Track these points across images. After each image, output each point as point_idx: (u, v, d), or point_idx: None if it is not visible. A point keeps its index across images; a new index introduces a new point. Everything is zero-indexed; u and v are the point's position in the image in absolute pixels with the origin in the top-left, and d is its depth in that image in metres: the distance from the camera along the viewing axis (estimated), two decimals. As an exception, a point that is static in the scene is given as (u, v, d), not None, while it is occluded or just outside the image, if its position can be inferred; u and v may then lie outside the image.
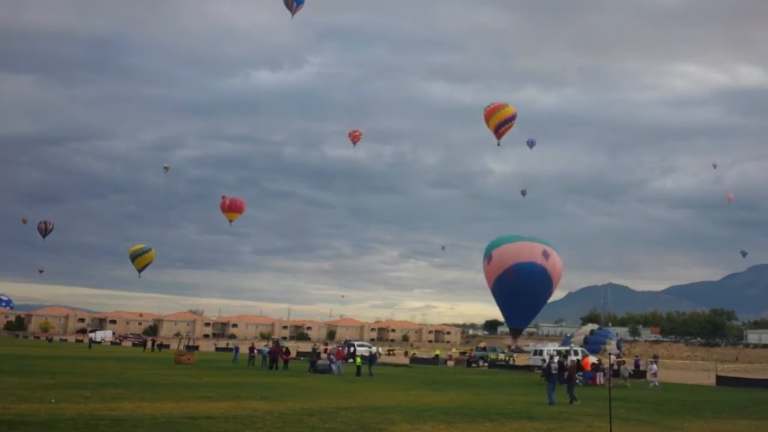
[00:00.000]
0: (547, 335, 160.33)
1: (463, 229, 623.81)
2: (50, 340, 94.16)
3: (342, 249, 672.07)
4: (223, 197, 69.34)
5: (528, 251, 55.75)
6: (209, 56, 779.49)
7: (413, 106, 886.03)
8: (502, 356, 57.72)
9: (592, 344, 48.85)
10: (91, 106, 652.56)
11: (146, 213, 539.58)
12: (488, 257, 62.16)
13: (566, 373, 23.45)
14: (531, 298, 55.54)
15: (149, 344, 72.16)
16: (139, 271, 69.84)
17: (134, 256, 69.24)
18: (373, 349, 62.30)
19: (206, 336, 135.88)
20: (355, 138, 67.29)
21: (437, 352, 70.27)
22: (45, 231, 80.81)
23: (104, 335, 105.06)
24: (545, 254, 54.23)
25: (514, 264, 54.96)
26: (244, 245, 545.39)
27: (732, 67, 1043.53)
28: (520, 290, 54.75)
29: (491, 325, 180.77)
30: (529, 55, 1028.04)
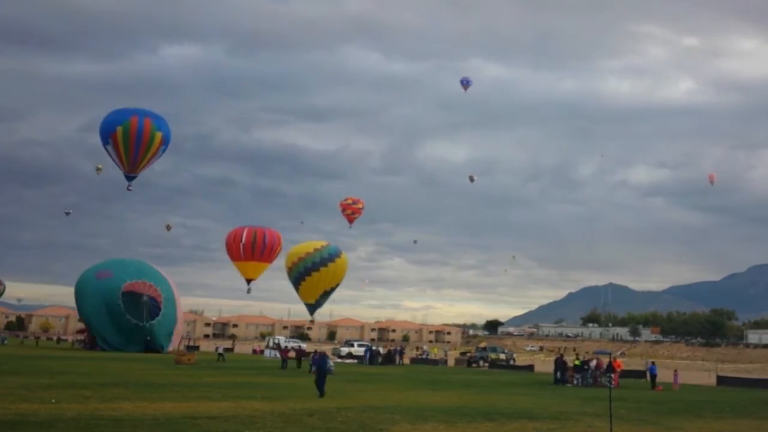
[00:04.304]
0: (547, 335, 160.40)
1: (426, 221, 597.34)
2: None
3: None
4: (236, 238, 36.26)
5: None
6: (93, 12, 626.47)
7: (343, 77, 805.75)
8: (502, 356, 57.80)
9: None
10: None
11: (88, 205, 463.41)
12: None
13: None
14: None
15: None
16: (311, 308, 36.65)
17: (300, 274, 35.20)
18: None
19: (206, 336, 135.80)
20: (354, 211, 50.78)
21: (434, 350, 75.42)
22: None
23: None
24: None
25: None
26: (199, 239, 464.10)
27: (703, 25, 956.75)
28: None
29: (492, 325, 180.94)
30: (464, 13, 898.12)
